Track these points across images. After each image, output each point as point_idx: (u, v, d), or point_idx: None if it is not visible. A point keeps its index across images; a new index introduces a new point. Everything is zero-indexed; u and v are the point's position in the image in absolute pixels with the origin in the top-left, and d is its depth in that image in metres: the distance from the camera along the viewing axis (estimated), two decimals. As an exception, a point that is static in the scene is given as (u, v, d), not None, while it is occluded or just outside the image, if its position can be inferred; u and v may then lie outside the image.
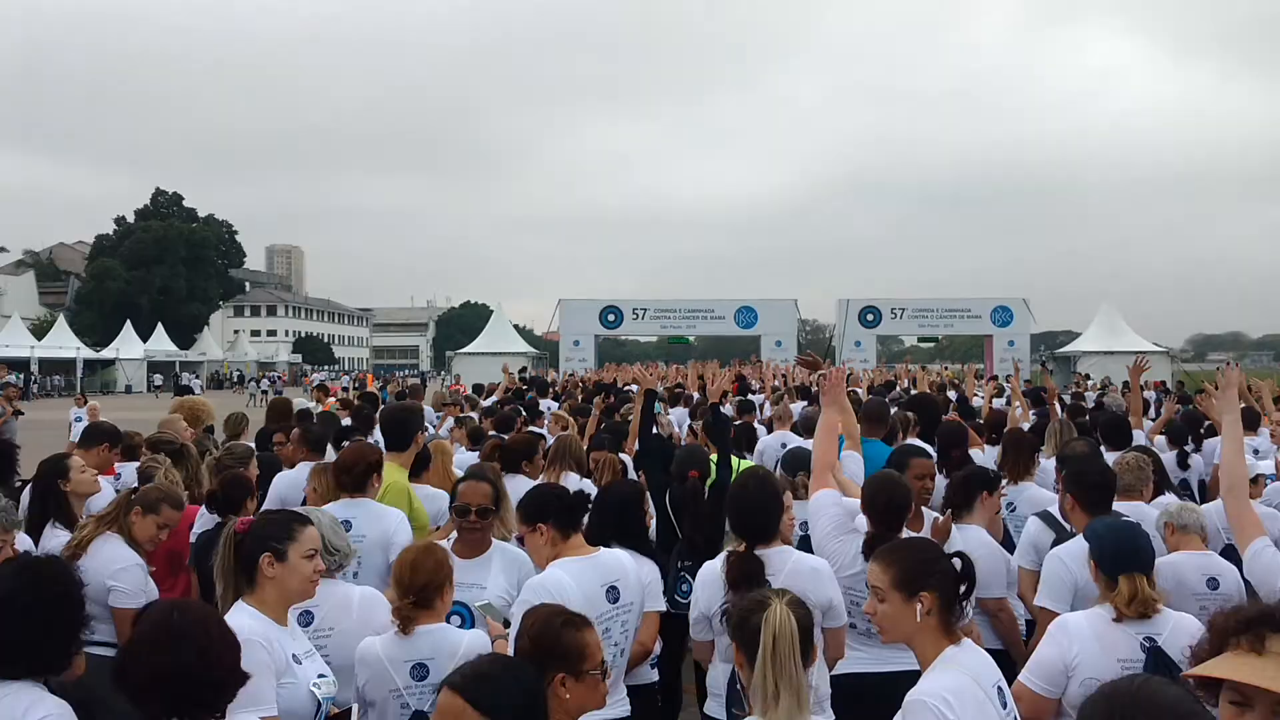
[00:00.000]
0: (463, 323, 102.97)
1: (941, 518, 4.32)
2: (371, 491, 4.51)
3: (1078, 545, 3.78)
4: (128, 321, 58.97)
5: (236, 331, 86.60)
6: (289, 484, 5.70)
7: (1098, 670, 3.01)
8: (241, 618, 2.87)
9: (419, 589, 3.18)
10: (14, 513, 4.00)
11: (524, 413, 9.64)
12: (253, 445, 6.54)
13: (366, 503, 4.44)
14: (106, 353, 55.89)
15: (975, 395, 12.53)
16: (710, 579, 3.59)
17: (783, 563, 3.58)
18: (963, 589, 2.68)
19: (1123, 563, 3.16)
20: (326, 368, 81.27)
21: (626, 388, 15.13)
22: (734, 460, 5.60)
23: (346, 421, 8.42)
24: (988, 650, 3.95)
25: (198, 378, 53.12)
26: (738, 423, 8.41)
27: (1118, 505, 4.38)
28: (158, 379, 55.79)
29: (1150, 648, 3.05)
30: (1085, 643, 3.10)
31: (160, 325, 61.90)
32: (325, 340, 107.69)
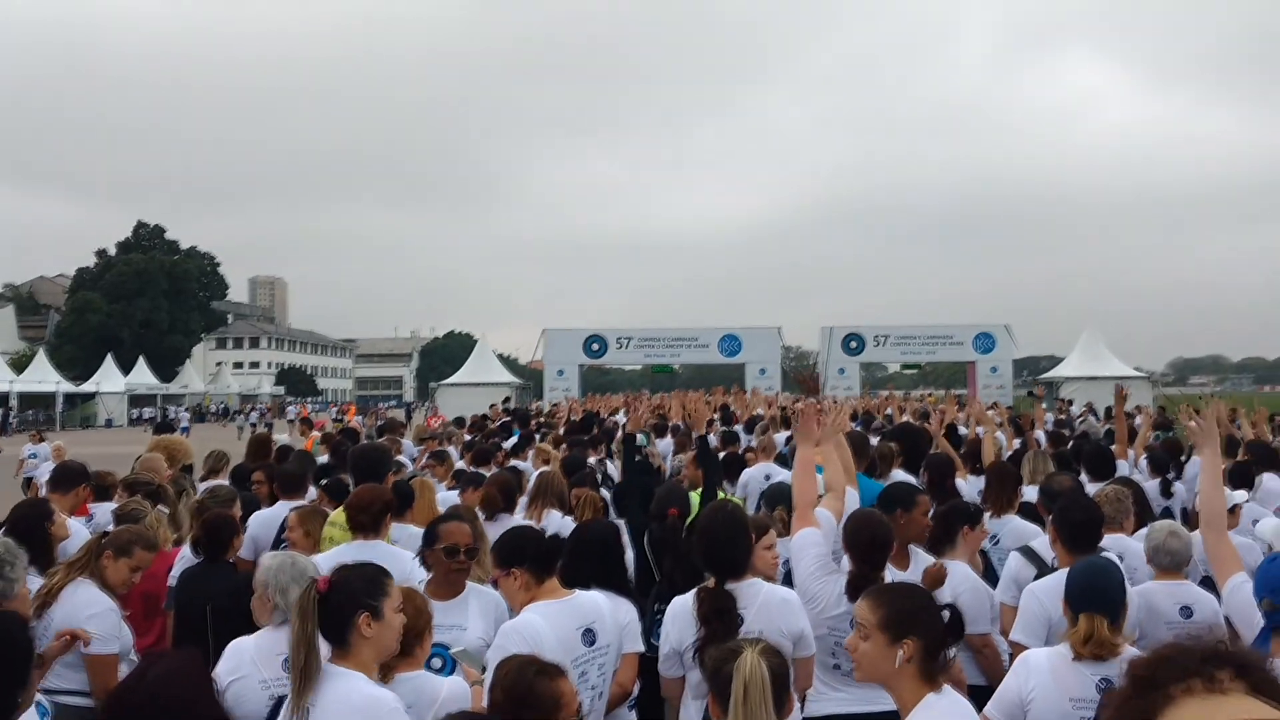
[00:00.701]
0: (447, 353, 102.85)
1: (936, 564, 4.30)
2: (385, 533, 4.44)
3: (1053, 581, 3.80)
4: (109, 355, 58.47)
5: (219, 364, 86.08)
6: (262, 523, 5.61)
7: (1049, 707, 3.03)
8: (362, 685, 2.71)
9: (398, 636, 3.12)
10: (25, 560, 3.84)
11: (504, 447, 9.55)
12: (230, 485, 6.43)
13: (380, 544, 4.38)
14: (87, 386, 55.33)
15: (959, 423, 12.56)
16: (681, 614, 3.57)
17: (754, 596, 3.57)
18: (948, 640, 2.64)
19: (1087, 602, 3.17)
20: (310, 399, 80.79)
21: (612, 417, 15.11)
22: (720, 494, 5.56)
23: (324, 459, 8.35)
24: (971, 686, 3.95)
25: (186, 410, 52.40)
26: (723, 454, 8.36)
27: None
28: (145, 412, 55.20)
29: (1105, 689, 3.03)
30: (1041, 677, 3.11)
31: (142, 358, 61.43)
32: (308, 372, 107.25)
